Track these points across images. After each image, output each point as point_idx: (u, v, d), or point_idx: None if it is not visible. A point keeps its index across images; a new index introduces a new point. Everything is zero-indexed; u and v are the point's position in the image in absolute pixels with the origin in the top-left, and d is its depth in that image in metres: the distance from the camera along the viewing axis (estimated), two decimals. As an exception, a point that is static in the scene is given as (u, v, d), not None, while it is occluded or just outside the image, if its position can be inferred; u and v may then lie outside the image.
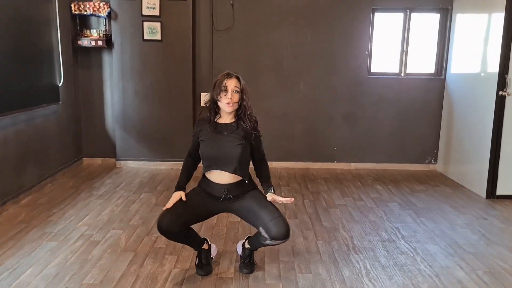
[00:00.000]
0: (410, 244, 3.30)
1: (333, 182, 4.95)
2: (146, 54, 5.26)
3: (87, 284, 2.66)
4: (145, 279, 2.74)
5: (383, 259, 3.05)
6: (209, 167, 2.66)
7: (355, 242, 3.33)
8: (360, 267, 2.93)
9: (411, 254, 3.13)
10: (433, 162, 5.59)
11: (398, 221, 3.76)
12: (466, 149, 4.88)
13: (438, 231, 3.55)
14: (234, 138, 2.64)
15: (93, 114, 5.52)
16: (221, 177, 2.64)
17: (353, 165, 5.60)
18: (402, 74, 5.48)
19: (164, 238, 3.29)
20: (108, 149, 5.54)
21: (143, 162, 5.45)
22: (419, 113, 5.49)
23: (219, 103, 2.63)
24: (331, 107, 5.49)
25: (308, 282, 2.72)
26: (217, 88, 2.59)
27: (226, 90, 2.57)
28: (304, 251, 3.17)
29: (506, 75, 4.22)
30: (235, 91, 2.58)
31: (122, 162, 5.46)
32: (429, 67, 5.52)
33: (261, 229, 2.59)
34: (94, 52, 5.36)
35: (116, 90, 5.35)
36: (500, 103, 4.27)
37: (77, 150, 5.46)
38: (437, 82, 5.44)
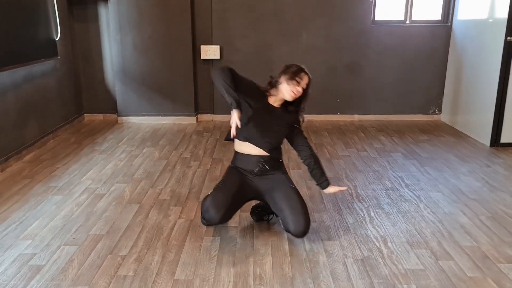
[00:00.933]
0: (414, 192, 3.31)
1: (337, 134, 4.92)
2: (143, 5, 5.09)
3: (93, 235, 2.69)
4: (151, 229, 2.77)
5: (386, 207, 3.06)
6: (247, 139, 2.63)
7: (358, 191, 3.34)
8: (364, 215, 2.95)
9: (415, 202, 3.14)
10: (437, 112, 5.53)
11: (402, 171, 3.75)
12: (471, 98, 4.81)
13: (442, 179, 3.55)
14: (281, 121, 2.66)
15: (92, 69, 5.43)
16: (255, 151, 2.63)
17: (357, 117, 5.54)
18: (408, 22, 5.32)
19: (169, 190, 3.37)
20: (109, 105, 5.48)
21: (144, 117, 5.40)
22: (424, 62, 5.38)
23: (281, 87, 2.62)
24: (334, 57, 5.37)
25: (312, 230, 2.74)
26: (290, 74, 2.61)
27: (298, 83, 2.60)
28: (308, 201, 3.17)
29: (515, 20, 4.08)
30: (303, 88, 2.60)
31: (124, 118, 5.42)
32: (435, 14, 5.35)
33: (279, 220, 2.65)
34: (90, 4, 5.20)
35: (114, 44, 5.23)
36: (508, 48, 4.16)
37: (78, 106, 5.41)
38: (443, 29, 5.29)
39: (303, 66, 2.69)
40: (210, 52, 5.28)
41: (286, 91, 2.58)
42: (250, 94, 2.64)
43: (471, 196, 3.23)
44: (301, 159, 2.74)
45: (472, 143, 4.53)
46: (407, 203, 3.12)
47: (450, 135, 4.85)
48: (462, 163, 3.93)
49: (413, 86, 5.44)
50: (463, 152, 4.24)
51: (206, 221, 2.68)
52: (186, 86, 5.34)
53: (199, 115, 5.52)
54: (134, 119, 5.41)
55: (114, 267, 2.36)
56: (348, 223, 2.84)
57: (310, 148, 2.72)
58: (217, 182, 2.73)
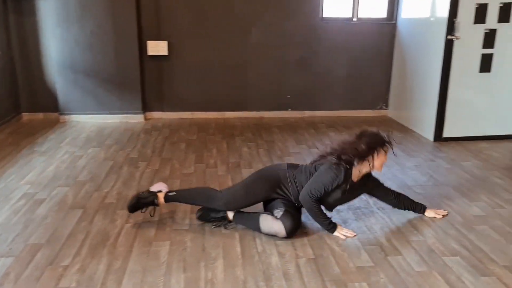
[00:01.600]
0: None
1: (287, 131, 4.93)
2: (84, -2, 4.86)
3: (32, 244, 2.52)
4: (96, 235, 2.63)
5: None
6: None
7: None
8: (315, 213, 2.95)
9: (364, 198, 3.18)
10: (384, 107, 5.68)
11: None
12: (415, 94, 4.97)
13: (390, 175, 3.63)
14: (359, 191, 2.82)
15: (30, 65, 5.11)
16: None
17: (307, 113, 5.58)
18: (355, 19, 5.41)
19: (115, 192, 3.22)
20: (50, 103, 5.19)
21: (89, 115, 5.16)
22: (371, 59, 5.49)
23: (374, 161, 2.60)
24: (284, 53, 5.37)
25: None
26: (382, 145, 2.60)
27: (385, 154, 2.62)
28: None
29: (454, 19, 4.23)
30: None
31: (66, 117, 5.15)
32: (381, 12, 5.47)
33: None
34: (26, -4, 4.90)
35: (53, 39, 4.95)
36: (448, 47, 4.31)
37: (15, 104, 5.09)
38: (388, 27, 5.42)
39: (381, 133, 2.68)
40: (157, 48, 5.12)
41: (380, 164, 2.64)
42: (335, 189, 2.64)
43: (417, 190, 3.32)
44: (390, 205, 2.91)
45: (417, 138, 4.68)
46: (357, 200, 3.16)
47: (397, 130, 4.98)
48: (408, 158, 4.04)
49: (361, 82, 5.55)
50: (409, 147, 4.37)
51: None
52: (132, 83, 5.15)
53: (147, 113, 5.35)
54: (77, 118, 5.16)
55: (55, 279, 2.21)
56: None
57: (391, 193, 2.87)
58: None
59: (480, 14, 4.26)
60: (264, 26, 5.26)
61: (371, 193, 2.86)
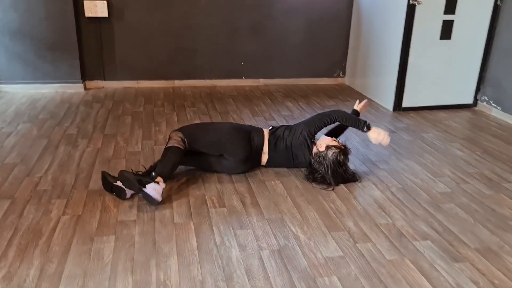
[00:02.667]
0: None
1: (242, 101, 4.62)
2: (6, -51, 4.19)
3: None
4: (26, 232, 2.26)
5: (299, 184, 2.86)
6: None
7: (269, 169, 3.09)
8: (277, 196, 2.72)
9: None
10: (341, 75, 5.48)
11: (312, 140, 3.59)
12: (373, 61, 4.79)
13: (352, 149, 3.44)
14: None
15: None
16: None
17: (262, 81, 5.29)
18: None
19: (50, 177, 2.81)
20: (-28, 71, 4.57)
21: (19, 85, 4.59)
22: (328, 24, 5.22)
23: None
24: (236, 17, 4.98)
25: (222, 217, 2.46)
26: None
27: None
28: (216, 182, 2.87)
29: (418, -18, 4.02)
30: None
31: (-8, 86, 4.56)
32: (339, -27, 5.17)
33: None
34: None
35: (-29, -4, 4.28)
36: (410, 12, 4.12)
37: None
38: (346, -10, 5.15)
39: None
40: (96, 8, 4.57)
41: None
42: None
43: (381, 166, 3.17)
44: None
45: (376, 108, 4.53)
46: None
47: (354, 99, 4.75)
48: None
49: (318, 49, 5.30)
50: (368, 118, 4.19)
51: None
52: (69, 49, 4.60)
53: (87, 82, 4.84)
54: (6, 88, 4.58)
55: (-26, 292, 1.86)
56: (261, 207, 2.59)
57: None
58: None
59: (443, -23, 4.07)
60: (215, -14, 4.82)
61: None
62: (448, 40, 4.30)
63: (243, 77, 5.24)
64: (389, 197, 2.74)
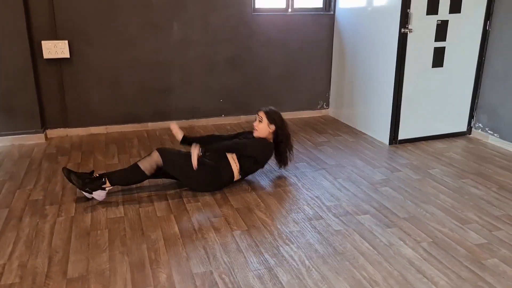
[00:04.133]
0: (341, 218, 2.78)
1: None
2: None
3: None
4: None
5: (320, 247, 2.46)
6: None
7: (279, 226, 2.68)
8: (299, 265, 2.30)
9: (347, 233, 2.61)
10: (325, 106, 5.20)
11: (316, 188, 3.22)
12: (361, 92, 4.53)
13: (362, 195, 3.10)
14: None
15: None
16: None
17: (243, 118, 4.90)
18: (290, 10, 4.80)
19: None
20: None
21: (-33, 140, 3.98)
22: (309, 54, 4.95)
23: None
24: (213, 51, 4.61)
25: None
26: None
27: (255, 120, 3.29)
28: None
29: (408, 10, 3.81)
30: (259, 120, 3.24)
31: None
32: (317, 1, 4.94)
33: None
34: None
35: None
36: (402, 40, 3.89)
37: None
38: (326, 18, 4.90)
39: (265, 107, 3.34)
40: (55, 49, 4.06)
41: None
42: (239, 134, 3.52)
43: (402, 215, 2.83)
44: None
45: (370, 142, 4.25)
46: (339, 236, 2.57)
47: (345, 133, 4.51)
48: (372, 170, 3.56)
49: (300, 80, 5.00)
50: (367, 155, 3.90)
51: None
52: (26, 94, 4.04)
53: (48, 131, 4.28)
54: (-49, 144, 3.95)
55: None
56: (283, 281, 2.16)
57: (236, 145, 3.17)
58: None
59: (432, 4, 3.88)
60: (188, 20, 4.44)
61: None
62: (441, 68, 4.11)
63: (223, 115, 4.84)
64: (423, 256, 2.39)
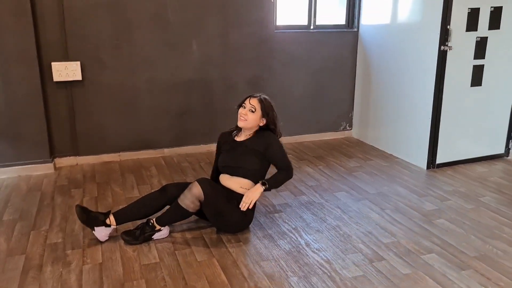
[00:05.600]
0: (404, 258, 2.47)
1: (251, 169, 3.89)
2: (-51, 3, 3.31)
3: None
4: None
5: (393, 297, 2.15)
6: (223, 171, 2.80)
7: (339, 271, 2.36)
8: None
9: (417, 277, 2.29)
10: (348, 128, 4.93)
11: (365, 221, 2.92)
12: (390, 112, 4.27)
13: (418, 229, 2.80)
14: (246, 151, 2.74)
15: None
16: (233, 183, 2.73)
17: (264, 141, 4.59)
18: (312, 27, 4.56)
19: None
20: None
21: (-31, 172, 3.60)
22: (332, 72, 4.69)
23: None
24: (233, 71, 4.32)
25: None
26: (238, 105, 2.77)
27: (244, 107, 2.72)
28: None
29: (448, 26, 3.58)
30: (251, 110, 2.70)
31: None
32: (339, 18, 4.70)
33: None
34: None
35: None
36: (442, 58, 3.65)
37: None
38: (349, 36, 4.66)
39: (257, 93, 2.82)
40: (66, 71, 3.73)
41: (238, 120, 2.74)
42: (219, 146, 2.93)
43: (470, 253, 2.53)
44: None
45: (406, 166, 3.97)
46: (409, 281, 2.26)
47: (376, 157, 4.23)
48: (419, 198, 3.28)
49: (322, 101, 4.73)
50: (407, 181, 3.62)
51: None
52: (33, 120, 3.69)
53: (57, 160, 3.92)
54: (-50, 177, 3.56)
55: None
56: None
57: (282, 167, 2.76)
58: None
59: (472, 20, 3.67)
60: (207, 38, 4.15)
61: (271, 161, 2.78)
62: (479, 87, 3.88)
63: (243, 139, 4.52)
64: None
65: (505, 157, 4.19)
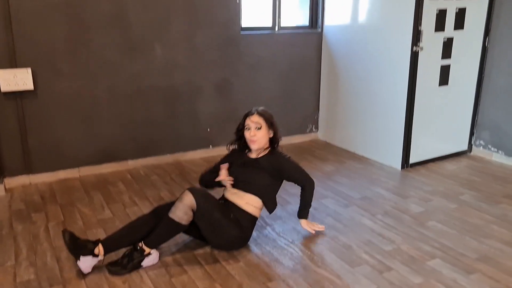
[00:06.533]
0: (411, 266, 2.41)
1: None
2: None
3: None
4: None
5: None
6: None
7: (351, 286, 2.25)
8: None
9: (430, 286, 2.24)
10: (314, 130, 4.87)
11: (361, 229, 2.84)
12: (357, 113, 4.26)
13: (414, 233, 2.77)
14: (259, 170, 2.62)
15: None
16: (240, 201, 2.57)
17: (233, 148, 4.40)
18: (277, 29, 4.43)
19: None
20: None
21: None
22: (299, 75, 4.60)
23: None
24: (199, 75, 4.08)
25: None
26: (241, 126, 2.66)
27: (249, 128, 2.60)
28: None
29: (419, 27, 3.61)
30: (257, 128, 2.58)
31: None
32: (303, 19, 4.63)
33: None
34: None
35: None
36: (414, 59, 3.68)
37: None
38: (313, 37, 4.60)
39: (253, 109, 2.68)
40: (16, 79, 3.30)
41: (247, 142, 2.63)
42: (228, 160, 2.76)
43: (471, 255, 2.53)
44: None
45: (380, 167, 3.97)
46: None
47: (348, 159, 4.20)
48: (403, 200, 3.27)
49: (290, 103, 4.62)
50: (387, 183, 3.61)
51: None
52: (-22, 138, 3.23)
53: (6, 180, 3.47)
54: None
55: None
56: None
57: (303, 182, 2.72)
58: None
59: (440, 21, 3.73)
60: (171, 41, 3.88)
61: (289, 179, 2.71)
62: (446, 86, 3.97)
63: (210, 146, 4.31)
64: None
65: (468, 153, 4.34)
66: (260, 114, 2.61)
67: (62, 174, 3.67)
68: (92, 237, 2.68)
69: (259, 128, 2.57)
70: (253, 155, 2.67)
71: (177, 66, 3.95)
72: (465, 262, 2.46)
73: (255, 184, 2.56)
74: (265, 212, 3.02)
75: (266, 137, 2.62)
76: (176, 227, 2.34)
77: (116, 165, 3.87)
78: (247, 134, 2.59)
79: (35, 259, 2.46)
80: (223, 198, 2.62)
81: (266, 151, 2.67)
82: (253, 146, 2.60)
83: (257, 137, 2.57)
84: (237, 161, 2.70)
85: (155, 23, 3.77)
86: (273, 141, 2.67)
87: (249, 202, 2.53)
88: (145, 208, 3.10)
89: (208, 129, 4.26)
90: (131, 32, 3.69)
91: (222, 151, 4.28)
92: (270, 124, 2.62)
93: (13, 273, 2.32)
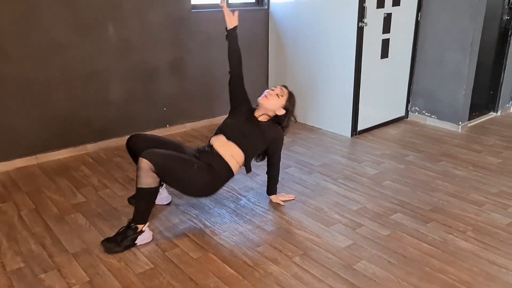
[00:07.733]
0: (378, 221, 2.72)
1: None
2: None
3: None
4: None
5: (388, 257, 2.37)
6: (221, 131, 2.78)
7: (331, 243, 2.50)
8: (382, 281, 2.18)
9: (397, 236, 2.56)
10: (264, 104, 5.04)
11: (327, 193, 3.11)
12: (305, 87, 4.50)
13: (375, 193, 3.09)
14: (256, 131, 2.75)
15: None
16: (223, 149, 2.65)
17: (189, 126, 4.48)
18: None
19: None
20: None
21: None
22: (248, 52, 4.71)
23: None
24: (153, 55, 4.07)
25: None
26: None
27: (273, 90, 2.78)
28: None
29: (364, 4, 3.89)
30: (277, 94, 2.75)
31: None
32: (249, -5, 4.73)
33: None
34: None
35: None
36: (359, 34, 3.96)
37: None
38: (260, 13, 4.73)
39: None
40: (-38, 65, 3.10)
41: (260, 97, 2.78)
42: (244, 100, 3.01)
43: (425, 207, 2.89)
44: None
45: (332, 136, 4.28)
46: (394, 241, 2.51)
47: (301, 130, 4.45)
48: (359, 165, 3.59)
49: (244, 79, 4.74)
50: (341, 150, 3.92)
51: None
52: None
53: (-41, 172, 3.29)
54: None
55: None
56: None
57: (278, 158, 2.90)
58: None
59: (380, -2, 4.04)
60: (124, 19, 3.82)
61: (267, 153, 2.86)
62: (387, 59, 4.32)
63: (167, 125, 4.34)
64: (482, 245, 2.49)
65: (406, 119, 4.78)
66: (290, 92, 2.81)
67: (18, 163, 3.53)
68: (73, 222, 2.69)
69: (279, 96, 2.73)
70: (257, 114, 2.79)
71: (131, 47, 3.90)
72: (421, 214, 2.82)
73: (249, 140, 2.67)
74: (238, 184, 3.19)
75: (276, 107, 2.73)
76: (150, 193, 2.38)
77: (74, 150, 3.80)
78: (268, 90, 2.78)
79: (19, 248, 2.43)
80: (209, 145, 2.67)
81: (268, 118, 2.78)
82: (261, 100, 2.74)
83: (272, 97, 2.72)
84: (244, 111, 2.86)
85: (107, 2, 3.68)
86: (279, 119, 2.79)
87: (233, 155, 2.60)
88: (118, 190, 3.13)
89: (165, 109, 4.28)
90: (82, 11, 3.58)
91: (180, 129, 4.40)
92: (289, 105, 2.78)
93: (1, 263, 2.29)
